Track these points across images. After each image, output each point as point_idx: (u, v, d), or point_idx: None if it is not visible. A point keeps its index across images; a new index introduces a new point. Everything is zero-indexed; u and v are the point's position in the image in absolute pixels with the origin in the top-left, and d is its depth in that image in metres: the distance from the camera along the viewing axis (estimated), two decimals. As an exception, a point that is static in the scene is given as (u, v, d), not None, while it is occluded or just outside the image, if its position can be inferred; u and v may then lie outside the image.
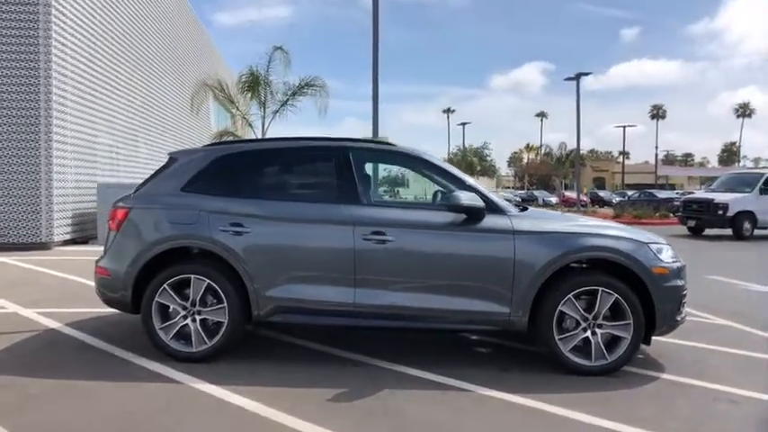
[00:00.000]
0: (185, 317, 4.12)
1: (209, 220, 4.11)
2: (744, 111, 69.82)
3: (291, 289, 4.06)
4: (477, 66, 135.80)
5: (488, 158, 76.63)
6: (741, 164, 76.81)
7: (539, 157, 66.72)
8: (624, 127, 57.95)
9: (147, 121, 15.84)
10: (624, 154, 67.85)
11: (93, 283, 4.49)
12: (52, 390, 3.58)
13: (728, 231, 15.43)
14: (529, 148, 72.25)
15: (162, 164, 4.56)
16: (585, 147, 76.40)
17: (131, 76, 14.40)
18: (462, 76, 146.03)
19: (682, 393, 3.77)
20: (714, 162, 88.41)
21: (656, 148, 63.72)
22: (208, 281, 4.06)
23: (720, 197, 16.03)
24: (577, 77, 25.36)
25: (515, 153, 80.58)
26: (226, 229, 4.08)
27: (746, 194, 15.79)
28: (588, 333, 4.01)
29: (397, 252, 4.03)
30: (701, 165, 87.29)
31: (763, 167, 45.80)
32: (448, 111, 72.09)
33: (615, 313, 4.00)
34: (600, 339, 4.00)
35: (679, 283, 4.10)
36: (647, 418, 3.33)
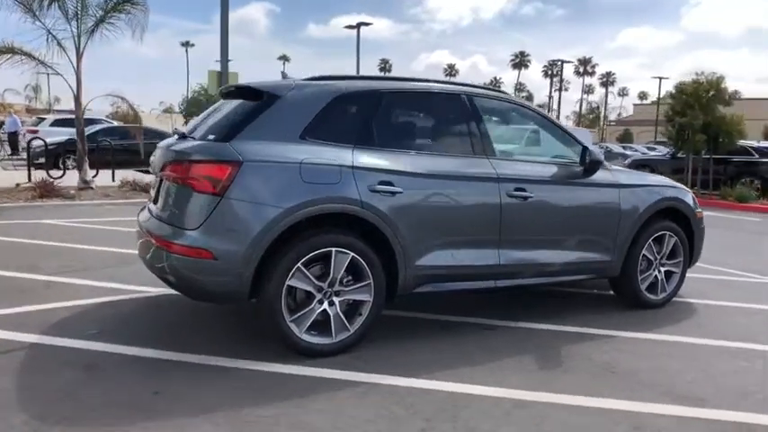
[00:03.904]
0: (321, 301, 3.25)
1: (354, 178, 3.24)
2: (451, 71, 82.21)
3: (441, 255, 3.56)
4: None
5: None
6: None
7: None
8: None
9: None
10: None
11: None
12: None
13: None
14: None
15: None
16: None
17: None
18: (185, 8, 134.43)
19: (731, 313, 4.63)
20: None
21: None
22: (352, 254, 3.25)
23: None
24: (358, 27, 26.11)
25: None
26: (375, 189, 3.29)
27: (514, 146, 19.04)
28: (656, 272, 4.60)
29: (537, 208, 3.90)
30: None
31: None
32: (186, 44, 65.86)
33: (671, 253, 4.66)
34: (662, 276, 4.64)
35: (704, 225, 4.98)
36: (719, 330, 4.05)
